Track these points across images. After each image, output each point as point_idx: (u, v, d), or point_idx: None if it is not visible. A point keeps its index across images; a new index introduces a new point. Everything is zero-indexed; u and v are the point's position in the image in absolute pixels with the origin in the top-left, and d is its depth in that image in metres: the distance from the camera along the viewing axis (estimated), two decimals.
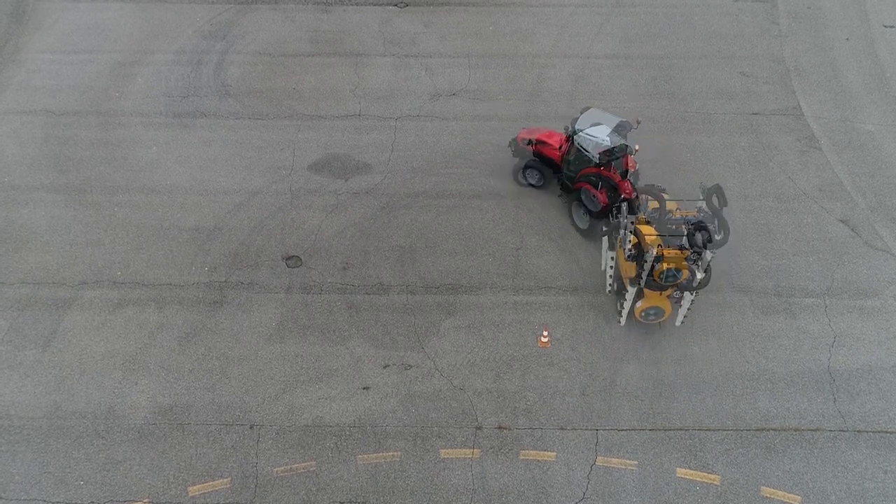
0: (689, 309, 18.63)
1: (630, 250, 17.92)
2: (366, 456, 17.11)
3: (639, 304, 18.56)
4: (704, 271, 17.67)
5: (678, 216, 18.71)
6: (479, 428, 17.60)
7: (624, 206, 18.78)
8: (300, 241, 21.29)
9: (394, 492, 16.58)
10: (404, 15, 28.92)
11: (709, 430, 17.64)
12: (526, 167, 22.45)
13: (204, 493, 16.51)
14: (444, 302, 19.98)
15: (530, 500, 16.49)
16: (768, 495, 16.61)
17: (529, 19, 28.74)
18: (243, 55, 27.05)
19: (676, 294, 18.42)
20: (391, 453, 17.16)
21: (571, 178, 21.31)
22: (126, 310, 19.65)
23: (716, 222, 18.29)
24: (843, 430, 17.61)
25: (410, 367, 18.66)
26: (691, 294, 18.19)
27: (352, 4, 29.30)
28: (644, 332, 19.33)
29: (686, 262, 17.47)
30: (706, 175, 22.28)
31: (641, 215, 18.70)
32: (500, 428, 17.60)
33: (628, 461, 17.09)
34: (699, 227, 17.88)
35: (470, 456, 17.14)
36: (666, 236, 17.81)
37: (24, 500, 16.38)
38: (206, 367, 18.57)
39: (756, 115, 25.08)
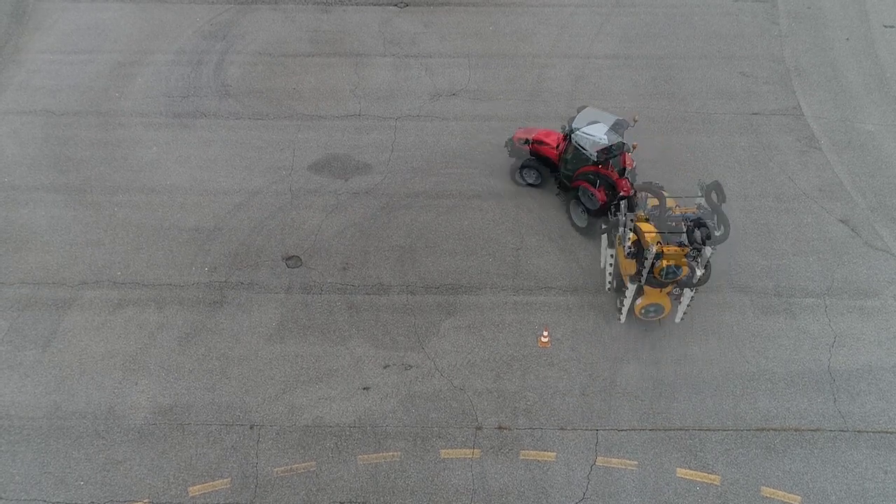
0: (688, 305, 18.65)
1: (630, 248, 17.94)
2: (366, 456, 17.11)
3: (639, 301, 18.59)
4: (704, 268, 17.71)
5: (677, 213, 18.74)
6: (479, 428, 17.60)
7: (623, 203, 18.80)
8: (300, 241, 21.29)
9: (394, 492, 16.58)
10: (404, 15, 28.92)
11: (709, 430, 17.64)
12: (523, 166, 22.46)
13: (204, 494, 16.51)
14: (444, 302, 19.98)
15: (530, 501, 16.50)
16: (768, 495, 16.62)
17: (529, 19, 28.74)
18: (243, 55, 27.05)
19: (676, 291, 18.45)
20: (391, 453, 17.16)
21: (569, 176, 21.33)
22: (126, 310, 19.65)
23: (715, 218, 18.31)
24: (843, 431, 17.61)
25: (410, 367, 18.67)
26: (691, 291, 18.22)
27: (352, 4, 29.30)
28: (644, 331, 19.34)
29: (686, 259, 17.51)
30: (706, 175, 22.26)
31: (641, 213, 18.72)
32: (500, 428, 17.60)
33: (628, 461, 17.10)
34: (698, 223, 17.91)
35: (470, 456, 17.14)
36: (665, 233, 17.83)
37: (24, 500, 16.38)
38: (207, 367, 18.57)
39: (756, 115, 25.09)
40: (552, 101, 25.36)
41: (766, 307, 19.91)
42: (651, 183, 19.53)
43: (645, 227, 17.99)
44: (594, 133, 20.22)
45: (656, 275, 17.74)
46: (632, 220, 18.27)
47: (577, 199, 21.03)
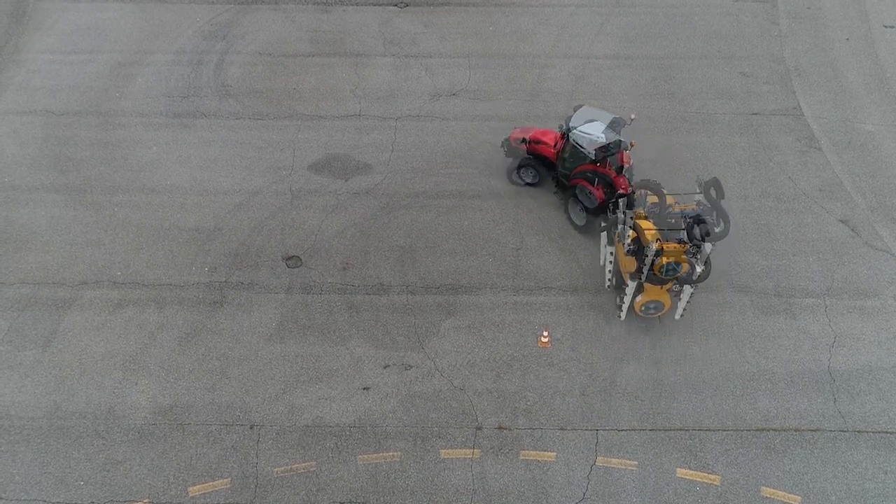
0: (688, 301, 18.67)
1: (629, 245, 17.97)
2: (366, 456, 17.11)
3: (638, 298, 18.62)
4: (704, 264, 17.74)
5: (676, 210, 18.76)
6: (479, 428, 17.60)
7: (622, 201, 18.83)
8: (300, 241, 21.29)
9: (394, 492, 16.58)
10: (404, 15, 28.92)
11: (709, 430, 17.64)
12: (520, 166, 22.50)
13: (204, 494, 16.51)
14: (444, 302, 19.98)
15: (530, 501, 16.50)
16: (768, 495, 16.62)
17: (529, 19, 28.74)
18: (243, 55, 27.05)
19: (676, 287, 18.49)
20: (391, 453, 17.16)
21: (567, 175, 21.37)
22: (126, 310, 19.65)
23: (714, 214, 18.33)
24: (843, 431, 17.61)
25: (410, 367, 18.67)
26: (691, 287, 18.25)
27: (352, 4, 29.30)
28: (644, 331, 19.34)
29: (685, 256, 17.54)
30: (705, 174, 22.19)
31: (640, 210, 18.74)
32: (500, 428, 17.60)
33: (628, 461, 17.09)
34: (698, 220, 17.94)
35: (470, 456, 17.14)
36: (665, 230, 17.86)
37: (24, 500, 16.38)
38: (207, 367, 18.57)
39: (756, 116, 25.09)
40: (552, 101, 25.36)
41: (766, 307, 19.91)
42: (649, 180, 19.57)
43: (644, 224, 18.02)
44: (592, 131, 20.27)
45: (656, 272, 17.78)
46: (631, 218, 18.30)
47: (576, 197, 21.07)
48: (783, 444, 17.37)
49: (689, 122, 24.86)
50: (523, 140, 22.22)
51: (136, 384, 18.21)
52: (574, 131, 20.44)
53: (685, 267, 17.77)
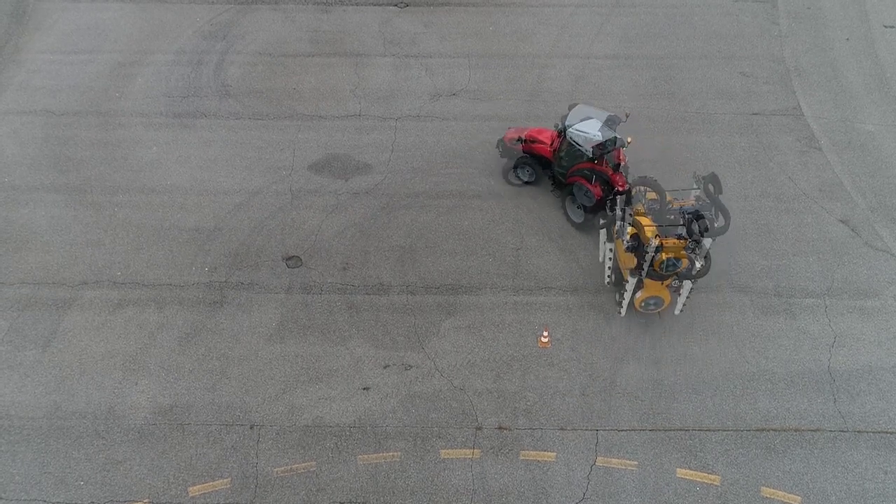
0: (687, 297, 18.69)
1: (629, 241, 17.99)
2: (366, 456, 17.11)
3: (638, 294, 18.64)
4: (704, 259, 17.78)
5: (675, 206, 18.80)
6: (479, 428, 17.60)
7: (620, 198, 18.86)
8: (300, 241, 21.29)
9: (394, 492, 16.58)
10: (404, 15, 28.92)
11: (709, 430, 17.64)
12: (517, 165, 22.52)
13: (204, 494, 16.51)
14: (444, 302, 19.98)
15: (530, 501, 16.49)
16: (768, 496, 16.61)
17: (529, 19, 28.74)
18: (243, 55, 27.05)
19: (675, 283, 18.50)
20: (391, 453, 17.16)
21: (563, 173, 21.42)
22: (126, 310, 19.65)
23: (713, 209, 18.35)
24: (843, 431, 17.61)
25: (410, 367, 18.66)
26: (691, 282, 18.27)
27: (352, 4, 29.30)
28: (644, 332, 19.34)
29: (685, 252, 17.57)
30: (703, 171, 22.25)
31: (639, 206, 18.76)
32: (500, 428, 17.60)
33: (628, 461, 17.10)
34: (697, 215, 17.98)
35: (470, 456, 17.14)
36: (663, 226, 17.90)
37: (24, 500, 16.38)
38: (207, 367, 18.57)
39: (756, 116, 25.08)
40: (552, 101, 25.35)
41: (766, 307, 19.91)
42: (646, 177, 19.59)
43: (644, 220, 18.06)
44: (588, 129, 20.36)
45: (656, 268, 17.83)
46: (630, 215, 18.34)
47: (573, 195, 21.12)
48: (783, 444, 17.37)
49: (689, 122, 24.85)
50: (519, 139, 22.26)
51: (136, 384, 18.21)
52: (571, 129, 20.50)
53: (685, 262, 17.82)
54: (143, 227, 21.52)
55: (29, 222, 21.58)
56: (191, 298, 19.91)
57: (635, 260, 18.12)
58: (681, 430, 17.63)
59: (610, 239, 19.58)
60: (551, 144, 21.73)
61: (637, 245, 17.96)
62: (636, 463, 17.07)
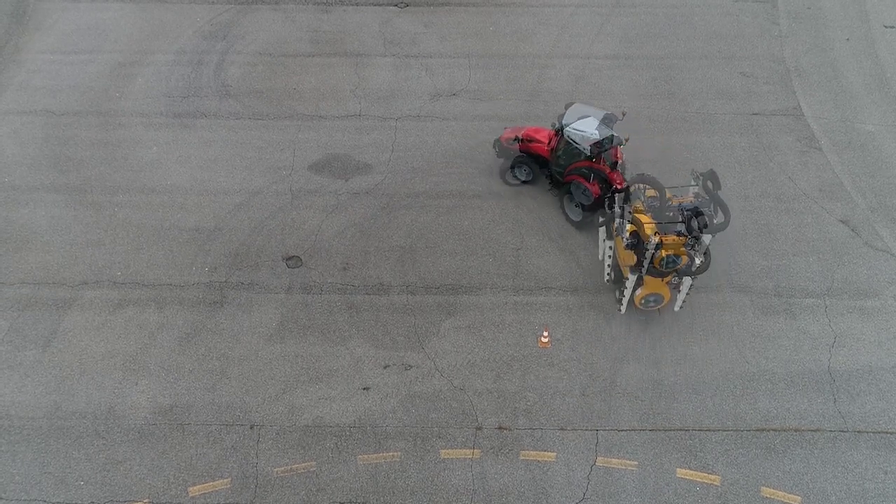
0: (687, 293, 18.70)
1: (628, 239, 18.01)
2: (366, 456, 17.11)
3: (638, 291, 18.66)
4: (703, 255, 17.79)
5: (674, 203, 18.83)
6: (479, 428, 17.60)
7: (618, 196, 18.89)
8: (300, 241, 21.29)
9: (394, 492, 16.58)
10: (404, 15, 28.92)
11: (709, 430, 17.64)
12: (514, 165, 22.54)
13: (204, 494, 16.51)
14: (444, 302, 19.98)
15: (530, 501, 16.49)
16: (768, 496, 16.61)
17: (529, 19, 28.74)
18: (243, 55, 27.05)
19: (675, 280, 18.52)
20: (391, 453, 17.16)
21: (561, 172, 21.44)
22: (126, 310, 19.65)
23: (712, 206, 18.37)
24: (843, 431, 17.61)
25: (410, 367, 18.66)
26: (691, 279, 18.28)
27: (352, 4, 29.30)
28: (644, 332, 19.34)
29: (684, 248, 17.58)
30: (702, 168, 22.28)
31: (638, 204, 18.78)
32: (500, 428, 17.60)
33: (628, 461, 17.09)
34: (696, 212, 18.00)
35: (470, 456, 17.14)
36: (663, 223, 17.92)
37: (24, 500, 16.38)
38: (207, 367, 18.57)
39: (756, 116, 25.08)
40: (552, 101, 25.35)
41: (766, 307, 19.91)
42: (643, 174, 19.61)
43: (643, 217, 18.07)
44: (585, 128, 20.45)
45: (656, 265, 17.85)
46: (629, 212, 18.36)
47: (571, 194, 21.15)
48: (783, 445, 17.37)
49: (689, 122, 24.86)
50: (516, 139, 22.28)
51: (136, 384, 18.21)
52: (568, 128, 20.54)
53: (684, 259, 17.84)
54: (144, 227, 21.52)
55: (29, 222, 21.59)
56: (191, 298, 19.91)
57: (635, 257, 18.14)
58: (681, 430, 17.63)
59: (609, 237, 19.61)
60: (549, 144, 21.75)
61: (637, 242, 17.98)
62: (636, 463, 17.07)
